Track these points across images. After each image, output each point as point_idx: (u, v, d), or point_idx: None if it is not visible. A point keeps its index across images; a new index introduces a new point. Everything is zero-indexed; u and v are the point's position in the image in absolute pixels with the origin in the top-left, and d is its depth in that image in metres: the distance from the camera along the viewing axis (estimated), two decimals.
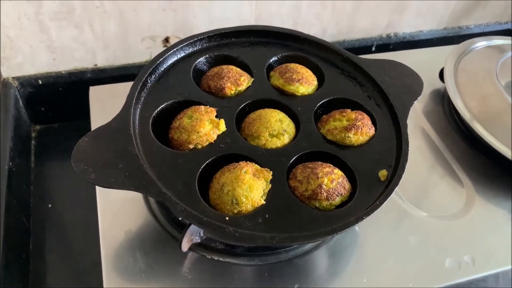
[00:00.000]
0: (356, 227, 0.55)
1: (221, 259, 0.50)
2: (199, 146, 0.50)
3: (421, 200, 0.59)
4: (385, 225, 0.56)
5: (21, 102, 0.77)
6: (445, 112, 0.72)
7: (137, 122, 0.50)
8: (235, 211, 0.45)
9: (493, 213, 0.59)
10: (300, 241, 0.43)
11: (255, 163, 0.49)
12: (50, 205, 0.72)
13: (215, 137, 0.50)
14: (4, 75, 0.75)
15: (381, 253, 0.53)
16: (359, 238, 0.54)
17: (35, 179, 0.75)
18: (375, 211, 0.45)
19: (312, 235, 0.43)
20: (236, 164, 0.48)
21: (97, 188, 0.55)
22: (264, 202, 0.46)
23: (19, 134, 0.73)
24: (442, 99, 0.74)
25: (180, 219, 0.53)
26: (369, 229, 0.55)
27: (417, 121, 0.70)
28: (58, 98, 0.79)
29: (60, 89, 0.78)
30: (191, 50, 0.58)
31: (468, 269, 0.52)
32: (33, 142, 0.80)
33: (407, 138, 0.52)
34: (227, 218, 0.44)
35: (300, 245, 0.52)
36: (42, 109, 0.80)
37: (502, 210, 0.59)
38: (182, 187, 0.45)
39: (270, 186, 0.47)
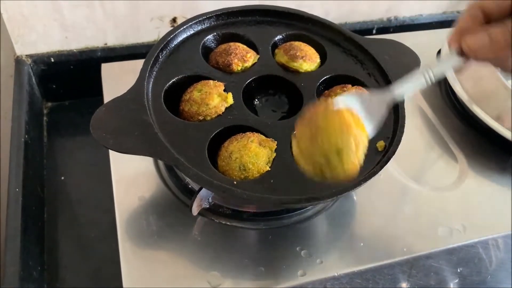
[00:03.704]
0: (355, 197, 0.59)
1: (228, 223, 0.54)
2: (208, 118, 0.53)
3: (417, 174, 0.62)
4: (382, 196, 0.59)
5: (33, 79, 0.80)
6: (442, 92, 0.75)
7: (150, 94, 0.53)
8: (242, 177, 0.48)
9: (484, 186, 0.63)
10: (303, 203, 0.47)
11: (261, 133, 0.52)
12: (62, 178, 0.75)
13: (223, 109, 0.54)
14: (18, 52, 0.78)
15: (377, 220, 0.57)
16: (357, 207, 0.58)
17: (48, 153, 0.78)
18: (372, 178, 0.48)
19: (314, 198, 0.46)
20: (243, 134, 0.51)
21: (111, 158, 0.59)
22: (269, 169, 0.49)
23: (33, 109, 0.76)
24: (439, 80, 0.77)
25: (190, 186, 0.56)
26: (367, 199, 0.58)
27: (415, 101, 0.73)
28: (69, 76, 0.82)
29: (71, 67, 0.81)
30: (199, 28, 0.61)
31: (460, 236, 0.56)
32: (45, 118, 0.83)
33: (404, 112, 0.55)
34: (235, 182, 0.47)
35: (301, 211, 0.56)
36: (54, 86, 0.83)
37: (492, 183, 0.63)
38: (193, 154, 0.49)
39: (275, 154, 0.50)
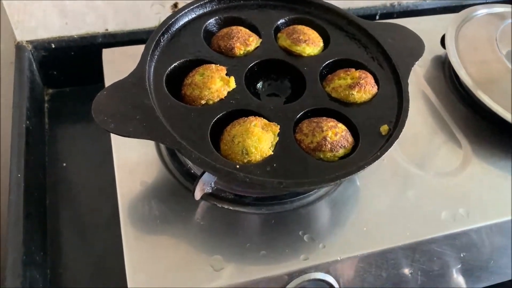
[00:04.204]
0: (358, 182, 0.58)
1: (230, 207, 0.54)
2: (211, 102, 0.52)
3: (420, 159, 0.62)
4: (385, 181, 0.59)
5: (34, 66, 0.79)
6: (446, 77, 0.74)
7: (151, 78, 0.53)
8: (245, 161, 0.48)
9: (488, 171, 0.62)
10: (306, 187, 0.47)
11: (264, 118, 0.52)
12: (64, 164, 0.75)
13: (225, 93, 0.53)
14: (18, 38, 0.77)
15: (380, 205, 0.56)
16: (360, 192, 0.58)
17: (49, 140, 0.78)
18: (375, 161, 0.48)
19: (317, 181, 0.46)
20: (246, 118, 0.51)
21: (113, 143, 0.58)
22: (272, 153, 0.49)
23: (34, 95, 0.76)
24: (443, 65, 0.76)
25: (192, 171, 0.56)
26: (369, 184, 0.58)
27: (419, 86, 0.72)
28: (70, 62, 0.81)
29: (72, 53, 0.80)
30: (201, 11, 0.61)
31: (463, 221, 0.56)
32: (46, 105, 0.82)
33: (408, 96, 0.54)
34: (237, 166, 0.47)
35: (304, 196, 0.55)
36: (55, 72, 0.82)
37: (496, 169, 0.62)
38: (195, 138, 0.48)
39: (277, 138, 0.50)
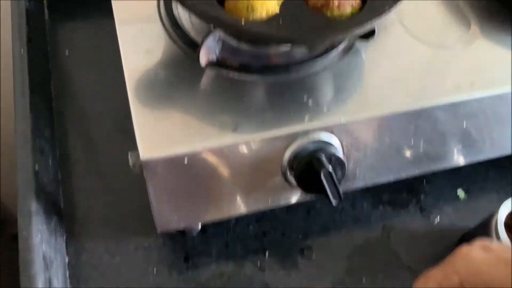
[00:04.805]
0: (363, 54, 0.58)
1: (236, 76, 0.54)
2: None
3: (427, 35, 0.61)
4: (390, 54, 0.58)
5: None
6: None
7: None
8: (250, 18, 0.47)
9: (494, 48, 0.61)
10: (315, 42, 0.46)
11: None
12: (67, 53, 0.75)
13: None
14: None
15: (386, 76, 0.56)
16: (365, 64, 0.57)
17: (50, 31, 0.77)
18: (386, 15, 0.47)
19: (326, 35, 0.46)
20: None
21: (115, 11, 0.57)
22: (278, 12, 0.48)
23: None
24: None
25: (195, 41, 0.56)
26: (375, 56, 0.57)
27: None
28: None
29: None
30: None
31: (467, 90, 0.56)
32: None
33: None
34: (242, 22, 0.46)
35: (309, 66, 0.55)
36: None
37: (503, 46, 0.61)
38: None
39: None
